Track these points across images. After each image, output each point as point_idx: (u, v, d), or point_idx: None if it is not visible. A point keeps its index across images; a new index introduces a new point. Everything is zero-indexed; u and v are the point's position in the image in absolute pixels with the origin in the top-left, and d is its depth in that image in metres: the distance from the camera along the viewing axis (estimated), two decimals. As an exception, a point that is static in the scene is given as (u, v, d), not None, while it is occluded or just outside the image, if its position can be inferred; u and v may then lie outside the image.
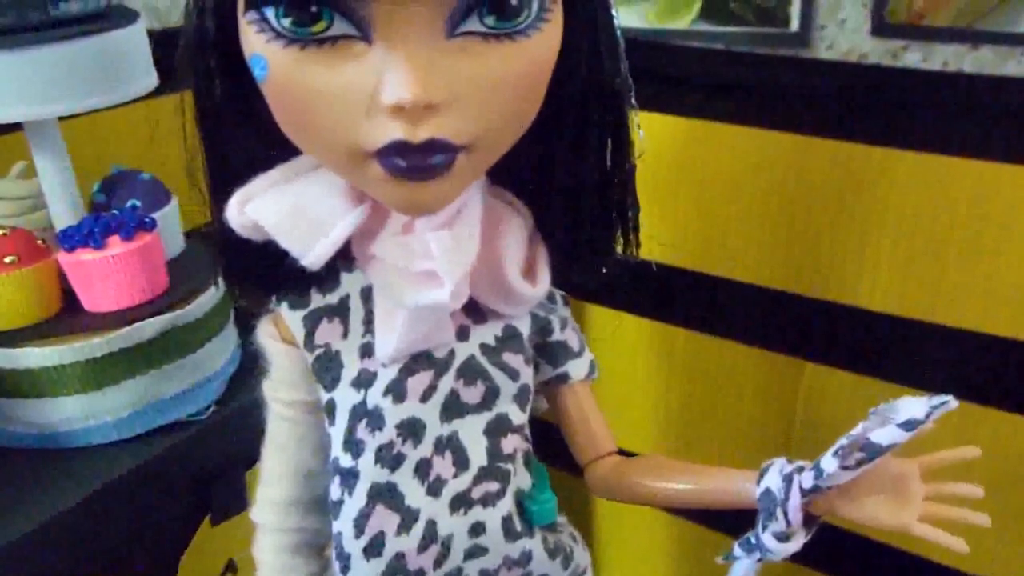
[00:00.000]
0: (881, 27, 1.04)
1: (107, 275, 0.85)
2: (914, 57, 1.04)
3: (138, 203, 0.96)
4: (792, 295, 1.22)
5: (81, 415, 0.86)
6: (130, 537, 0.86)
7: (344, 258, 0.57)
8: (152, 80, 0.90)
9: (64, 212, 0.91)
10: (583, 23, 0.50)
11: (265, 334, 0.62)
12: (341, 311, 0.59)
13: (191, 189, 0.57)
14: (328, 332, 0.58)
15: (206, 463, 0.93)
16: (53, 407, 0.85)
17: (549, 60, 0.48)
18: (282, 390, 0.62)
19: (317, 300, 0.59)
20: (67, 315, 0.88)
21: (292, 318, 0.59)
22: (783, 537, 0.57)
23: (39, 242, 0.87)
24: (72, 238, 0.85)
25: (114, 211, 0.92)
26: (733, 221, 1.23)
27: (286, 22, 0.43)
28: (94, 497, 0.82)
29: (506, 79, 0.46)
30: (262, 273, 0.58)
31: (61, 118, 0.87)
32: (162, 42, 0.93)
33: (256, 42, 0.45)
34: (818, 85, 1.11)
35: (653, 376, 1.41)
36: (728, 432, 1.37)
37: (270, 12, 0.44)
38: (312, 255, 0.52)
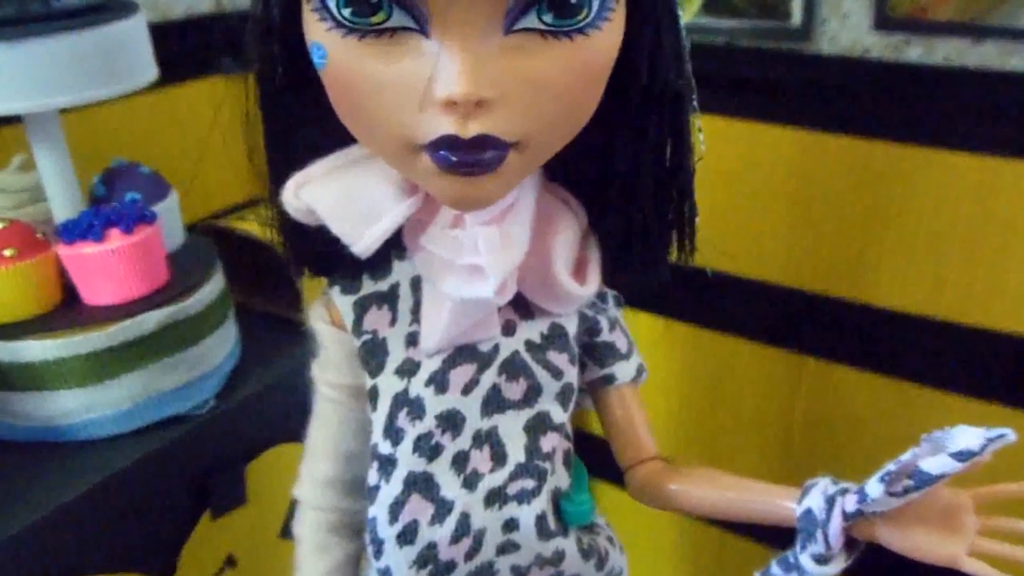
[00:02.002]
0: (883, 21, 1.04)
1: (107, 268, 0.85)
2: (916, 52, 1.04)
3: (138, 196, 0.96)
4: (793, 290, 1.22)
5: (81, 408, 0.86)
6: (130, 531, 0.86)
7: (397, 246, 0.58)
8: (152, 73, 0.90)
9: (64, 205, 0.91)
10: (647, 23, 0.50)
11: (317, 316, 0.63)
12: (391, 299, 0.59)
13: (251, 171, 0.58)
14: (376, 319, 0.59)
15: (206, 457, 0.93)
16: (53, 400, 0.85)
17: (607, 60, 0.48)
18: (329, 372, 0.63)
19: (368, 286, 0.60)
20: (67, 308, 0.88)
21: (343, 302, 0.60)
22: (822, 560, 0.56)
23: (39, 235, 0.86)
24: (72, 231, 0.85)
25: (114, 204, 0.92)
26: (733, 216, 1.23)
27: (346, 12, 0.44)
28: (94, 490, 0.82)
29: (562, 78, 0.46)
30: (317, 256, 0.59)
31: (61, 110, 0.86)
32: (162, 34, 0.93)
33: (317, 30, 0.46)
34: (820, 80, 1.11)
35: (654, 371, 1.40)
36: (729, 427, 1.37)
37: (331, 1, 0.44)
38: (362, 243, 0.53)
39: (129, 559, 0.87)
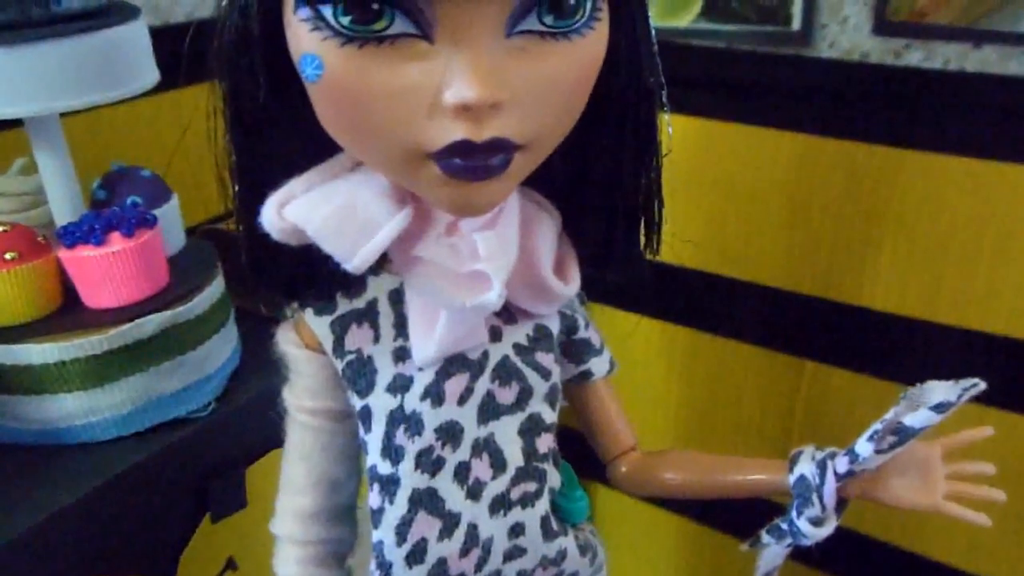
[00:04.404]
0: (883, 26, 1.04)
1: (107, 272, 0.85)
2: (916, 56, 1.04)
3: (139, 200, 0.96)
4: (792, 294, 1.22)
5: (81, 412, 0.86)
6: (130, 534, 0.86)
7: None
8: (153, 77, 0.90)
9: (65, 209, 0.91)
10: (625, 23, 0.51)
11: (286, 341, 0.61)
12: (370, 315, 0.58)
13: (221, 191, 0.55)
14: (359, 337, 0.58)
15: (206, 460, 0.93)
16: (53, 404, 0.85)
17: (599, 59, 0.49)
18: (306, 398, 0.61)
19: (344, 305, 0.58)
20: (67, 312, 0.88)
21: (318, 324, 0.58)
22: (818, 522, 0.60)
23: (40, 239, 0.86)
24: (73, 235, 0.85)
25: (115, 208, 0.92)
26: (732, 219, 1.23)
27: (345, 20, 0.43)
28: (94, 494, 0.81)
29: (562, 77, 0.46)
30: (289, 278, 0.57)
31: (62, 114, 0.87)
32: (163, 38, 0.93)
33: (310, 41, 0.44)
34: (819, 84, 1.11)
35: (652, 375, 1.41)
36: (728, 431, 1.37)
37: (327, 10, 0.43)
38: (358, 259, 0.51)
39: (129, 563, 0.87)
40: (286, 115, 0.50)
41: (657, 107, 0.56)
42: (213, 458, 0.93)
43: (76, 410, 0.86)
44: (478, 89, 0.42)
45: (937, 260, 1.09)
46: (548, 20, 0.44)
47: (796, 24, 1.10)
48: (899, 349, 1.15)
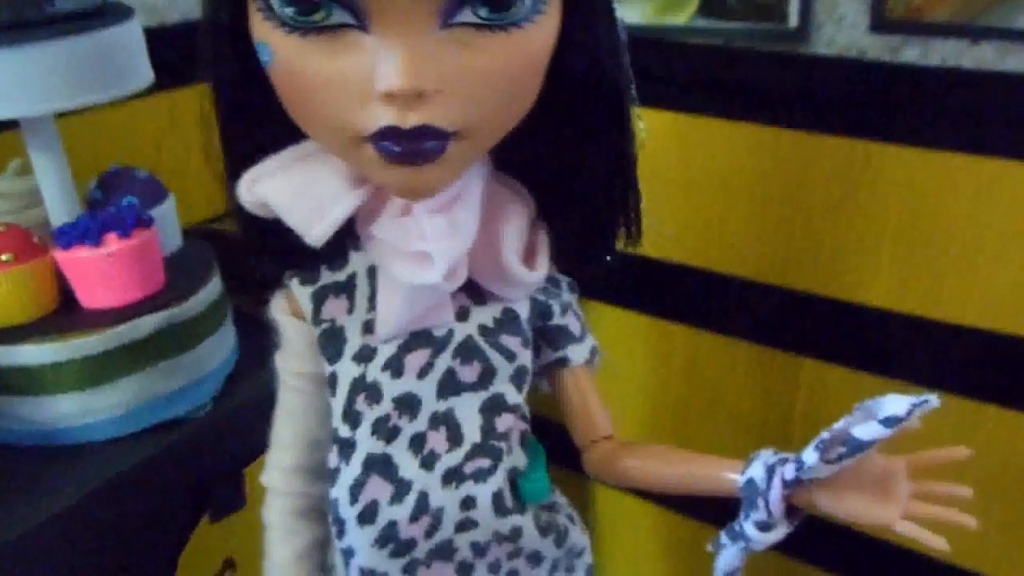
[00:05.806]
0: (879, 23, 1.04)
1: (104, 272, 0.85)
2: (912, 53, 1.04)
3: (135, 200, 0.96)
4: (790, 291, 1.22)
5: (78, 413, 0.86)
6: (128, 535, 0.86)
7: (353, 237, 0.60)
8: (148, 77, 0.90)
9: (60, 209, 0.91)
10: (583, 16, 0.51)
11: (278, 308, 0.65)
12: (348, 288, 0.61)
13: (208, 170, 0.60)
14: (334, 308, 0.61)
15: (204, 460, 0.93)
16: (50, 405, 0.85)
17: (543, 52, 0.50)
18: (292, 362, 0.65)
19: (326, 277, 0.62)
20: (64, 312, 0.88)
21: (302, 293, 0.62)
22: (765, 527, 0.58)
23: (36, 240, 0.86)
24: (69, 235, 0.85)
25: (111, 208, 0.92)
26: (731, 217, 1.23)
27: (289, 11, 0.46)
28: (92, 495, 0.81)
29: (498, 69, 0.48)
30: (276, 250, 0.61)
31: (57, 115, 0.87)
32: (158, 39, 0.93)
33: (262, 29, 0.48)
34: (816, 81, 1.11)
35: (650, 373, 1.41)
36: (727, 429, 1.37)
37: (274, 0, 0.46)
38: (314, 233, 0.54)
39: (127, 563, 0.87)
40: (260, 100, 0.53)
41: (626, 101, 0.57)
42: (211, 458, 0.93)
43: (73, 411, 0.86)
44: (402, 78, 0.45)
45: (937, 257, 1.09)
46: (483, 13, 0.46)
47: (793, 21, 1.10)
48: (899, 346, 1.15)
